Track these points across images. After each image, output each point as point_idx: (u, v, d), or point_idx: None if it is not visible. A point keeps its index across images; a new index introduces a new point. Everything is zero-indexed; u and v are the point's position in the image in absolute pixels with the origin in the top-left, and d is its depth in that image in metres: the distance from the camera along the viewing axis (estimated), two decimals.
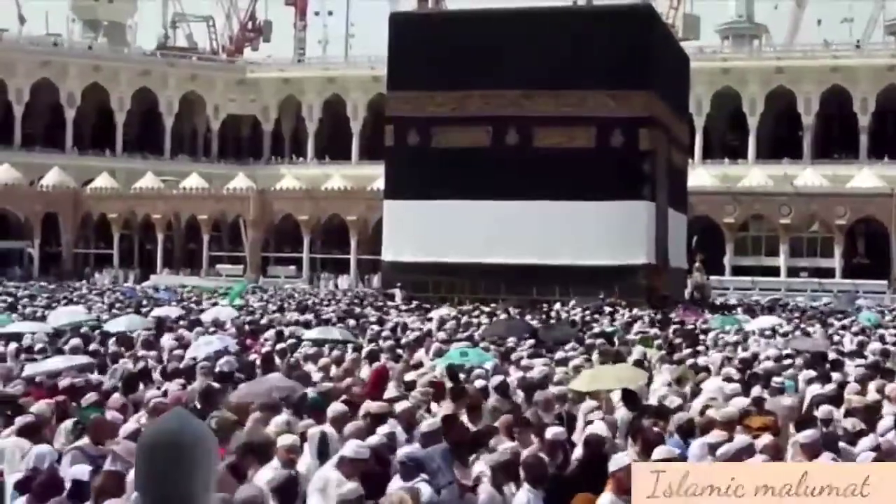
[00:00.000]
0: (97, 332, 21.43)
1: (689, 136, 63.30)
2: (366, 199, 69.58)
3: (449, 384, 13.07)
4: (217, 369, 14.40)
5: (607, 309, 35.04)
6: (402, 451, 8.60)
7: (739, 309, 40.61)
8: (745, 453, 8.85)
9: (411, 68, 44.89)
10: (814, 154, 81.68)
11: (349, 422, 9.77)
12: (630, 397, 12.14)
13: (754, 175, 75.86)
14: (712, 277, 56.08)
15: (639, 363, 15.68)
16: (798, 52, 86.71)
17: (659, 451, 8.31)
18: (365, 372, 15.09)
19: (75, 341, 18.09)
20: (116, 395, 12.00)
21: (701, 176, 71.16)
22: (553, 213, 41.63)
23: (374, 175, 64.89)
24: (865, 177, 72.58)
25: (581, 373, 13.94)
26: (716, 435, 9.72)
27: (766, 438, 9.28)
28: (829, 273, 66.96)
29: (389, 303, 39.17)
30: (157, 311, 28.32)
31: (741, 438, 9.27)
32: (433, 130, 44.82)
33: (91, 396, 11.70)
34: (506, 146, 43.71)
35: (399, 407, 10.58)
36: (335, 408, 10.33)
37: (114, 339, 19.51)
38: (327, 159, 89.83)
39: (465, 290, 41.14)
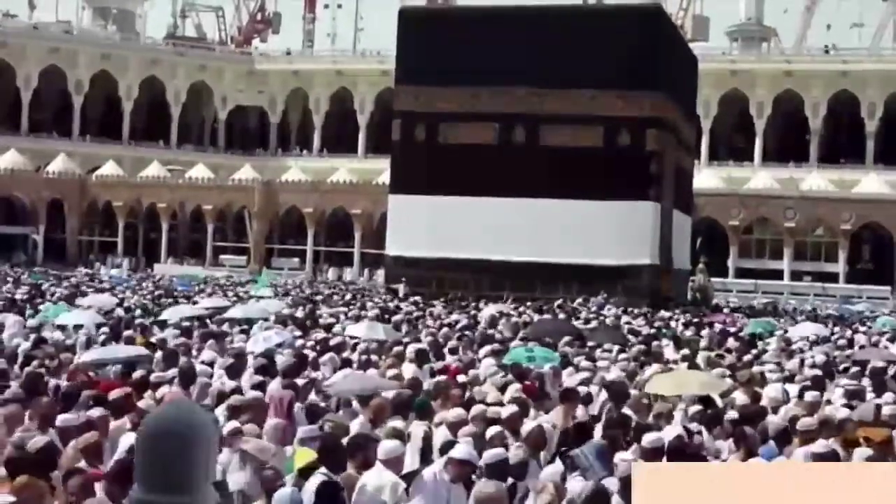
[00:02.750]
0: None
1: (695, 137, 63.26)
2: (371, 193, 69.63)
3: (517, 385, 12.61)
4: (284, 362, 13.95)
5: (637, 311, 34.70)
6: (490, 452, 8.30)
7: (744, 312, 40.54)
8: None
9: (420, 63, 44.90)
10: (820, 158, 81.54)
11: (464, 425, 9.67)
12: (709, 403, 11.87)
13: (760, 178, 75.78)
14: (715, 280, 56.07)
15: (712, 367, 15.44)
16: (806, 56, 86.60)
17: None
18: (408, 371, 14.29)
19: (129, 332, 18.00)
20: (175, 389, 11.80)
21: (707, 178, 71.09)
22: (558, 211, 41.66)
23: (380, 169, 64.93)
24: (872, 182, 72.51)
25: (659, 376, 13.65)
26: (823, 445, 9.25)
27: (864, 452, 8.86)
28: (832, 278, 66.93)
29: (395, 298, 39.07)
30: (207, 302, 28.12)
31: (863, 451, 8.89)
32: (440, 126, 44.85)
33: (164, 389, 11.55)
34: (513, 144, 43.74)
35: (505, 412, 10.22)
36: (456, 412, 10.17)
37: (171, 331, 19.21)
38: (333, 152, 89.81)
39: (468, 286, 41.16)
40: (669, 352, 18.93)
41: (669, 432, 9.58)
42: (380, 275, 56.24)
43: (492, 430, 9.16)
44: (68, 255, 76.44)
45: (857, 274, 67.99)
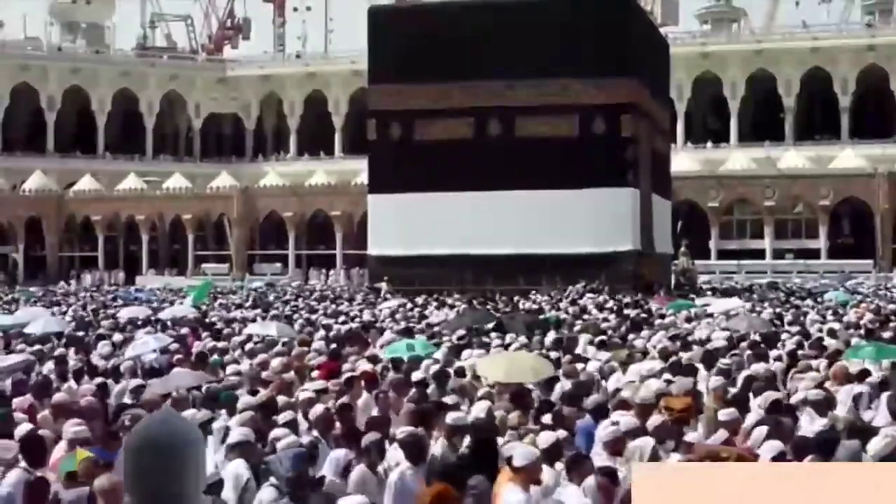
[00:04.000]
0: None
1: (670, 121, 63.41)
2: (350, 193, 69.64)
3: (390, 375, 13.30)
4: (146, 367, 14.62)
5: (589, 296, 35.10)
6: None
7: (719, 293, 40.74)
8: (634, 434, 8.84)
9: (392, 62, 44.88)
10: (796, 136, 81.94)
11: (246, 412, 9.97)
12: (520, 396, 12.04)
13: (737, 158, 76.06)
14: (698, 262, 56.23)
15: (578, 356, 15.61)
16: (777, 35, 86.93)
17: (542, 439, 8.40)
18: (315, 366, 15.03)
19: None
20: (27, 397, 11.88)
21: (684, 161, 71.29)
22: (538, 202, 41.70)
23: (358, 169, 64.89)
24: (847, 157, 72.92)
25: (487, 359, 13.93)
26: (619, 415, 9.59)
27: (657, 419, 9.18)
28: (814, 254, 67.25)
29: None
30: (125, 312, 28.27)
31: (627, 420, 9.23)
32: (415, 123, 44.83)
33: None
34: (488, 137, 43.75)
35: (302, 396, 10.93)
36: (246, 400, 10.63)
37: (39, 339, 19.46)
38: (310, 155, 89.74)
39: (451, 281, 41.14)
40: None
41: (476, 409, 10.06)
42: (354, 274, 56.23)
43: (284, 416, 9.64)
44: (49, 272, 76.08)
45: (838, 249, 68.34)
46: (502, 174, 41.87)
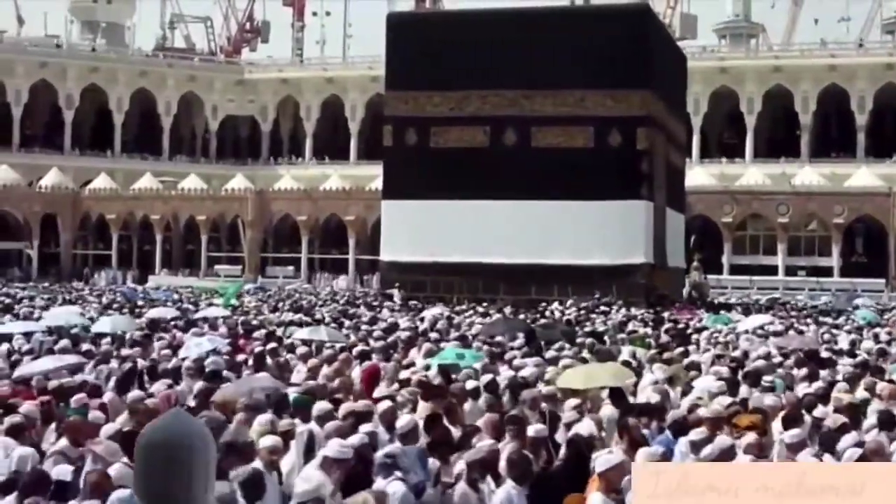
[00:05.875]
0: (89, 332, 21.37)
1: (686, 135, 63.31)
2: (364, 199, 69.63)
3: (437, 384, 13.08)
4: (207, 369, 14.40)
5: (603, 308, 35.01)
6: (382, 450, 8.61)
7: (739, 308, 40.53)
8: (727, 454, 8.79)
9: (409, 68, 44.90)
10: (811, 153, 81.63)
11: (331, 420, 9.86)
12: (618, 395, 12.17)
13: (752, 174, 75.85)
14: (710, 276, 56.10)
15: (626, 363, 15.68)
16: (795, 51, 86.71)
17: (642, 453, 8.39)
18: (354, 373, 15.01)
19: (64, 342, 18.03)
20: (103, 396, 11.97)
21: (699, 175, 71.12)
22: (551, 212, 41.63)
23: (373, 175, 64.92)
24: (863, 175, 72.61)
25: (569, 371, 13.90)
26: (699, 433, 9.68)
27: (750, 437, 9.25)
28: (826, 272, 67.00)
29: (387, 303, 39.01)
30: (153, 312, 28.17)
31: (722, 439, 9.20)
32: (431, 130, 44.80)
33: (80, 398, 11.62)
34: (504, 146, 43.71)
35: (381, 407, 10.62)
36: (321, 406, 10.42)
37: (107, 339, 19.45)
38: (326, 159, 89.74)
39: (463, 289, 41.12)
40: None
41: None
42: (366, 280, 56.01)
43: (366, 427, 9.40)
44: (63, 269, 76.30)
45: (851, 267, 68.08)
46: (517, 184, 41.81)
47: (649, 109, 43.41)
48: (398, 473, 8.04)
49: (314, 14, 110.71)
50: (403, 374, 14.13)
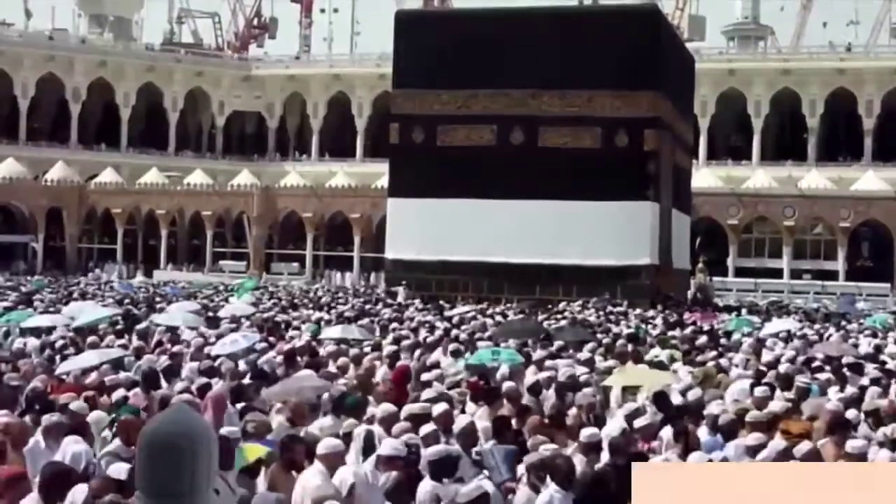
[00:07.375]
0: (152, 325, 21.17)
1: (693, 137, 63.25)
2: (370, 196, 69.70)
3: (492, 386, 12.92)
4: (243, 367, 14.25)
5: (618, 309, 34.83)
6: (432, 450, 8.50)
7: (744, 311, 40.41)
8: (783, 458, 8.70)
9: (417, 66, 44.88)
10: (818, 156, 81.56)
11: (395, 422, 9.79)
12: (661, 398, 12.07)
13: (758, 177, 75.76)
14: (715, 279, 56.04)
15: (660, 365, 15.57)
16: (804, 54, 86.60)
17: (695, 458, 8.37)
18: (381, 372, 14.82)
19: (111, 337, 17.94)
20: (137, 392, 11.81)
21: (705, 177, 71.12)
22: (557, 212, 41.59)
23: (379, 173, 64.92)
24: (870, 179, 72.51)
25: (615, 373, 13.85)
26: (755, 438, 9.62)
27: (806, 445, 9.10)
28: (832, 276, 66.90)
29: (390, 300, 38.86)
30: (174, 307, 27.46)
31: (777, 442, 9.17)
32: (438, 129, 44.78)
33: (120, 393, 11.52)
34: (511, 146, 43.67)
35: (437, 409, 10.40)
36: (385, 408, 10.34)
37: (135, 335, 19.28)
38: (332, 157, 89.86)
39: (468, 288, 41.15)
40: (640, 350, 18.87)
41: (612, 427, 9.83)
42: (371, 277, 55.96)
43: (426, 428, 9.31)
44: (68, 262, 76.40)
45: (857, 271, 68.00)
46: (523, 183, 41.79)
47: (657, 111, 43.36)
48: (485, 472, 8.02)
49: (322, 11, 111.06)
50: (426, 376, 13.87)
